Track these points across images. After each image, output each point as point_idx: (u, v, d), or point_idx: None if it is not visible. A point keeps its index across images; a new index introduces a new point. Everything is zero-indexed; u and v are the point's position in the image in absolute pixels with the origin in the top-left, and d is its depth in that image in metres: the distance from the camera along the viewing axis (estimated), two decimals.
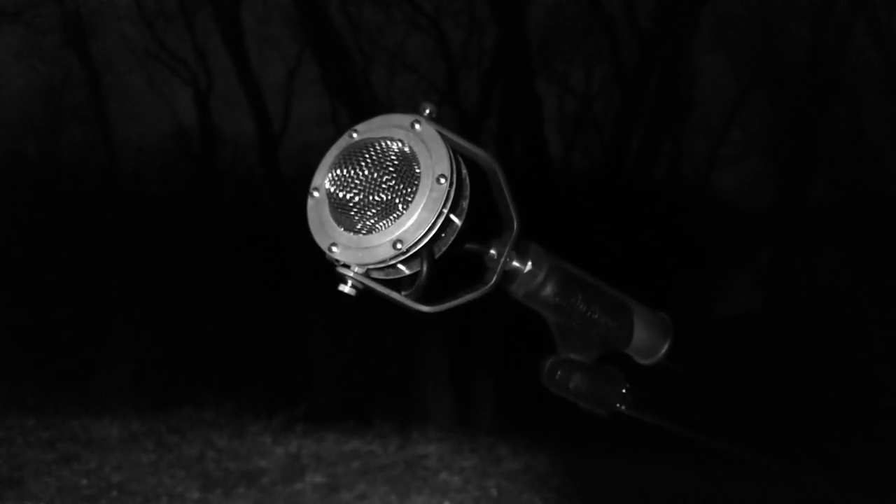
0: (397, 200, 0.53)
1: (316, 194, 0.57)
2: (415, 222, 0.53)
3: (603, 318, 0.62)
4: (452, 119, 10.07)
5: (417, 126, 0.56)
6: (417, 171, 0.54)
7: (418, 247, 0.53)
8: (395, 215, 0.53)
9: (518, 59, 7.96)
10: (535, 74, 8.09)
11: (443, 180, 0.53)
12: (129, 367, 6.80)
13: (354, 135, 0.57)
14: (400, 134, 0.56)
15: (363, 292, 0.55)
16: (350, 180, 0.54)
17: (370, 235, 0.54)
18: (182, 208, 12.06)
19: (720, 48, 9.71)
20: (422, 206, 0.53)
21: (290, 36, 10.39)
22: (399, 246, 0.53)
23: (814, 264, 10.35)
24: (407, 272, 0.57)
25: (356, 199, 0.54)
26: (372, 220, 0.54)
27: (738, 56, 11.08)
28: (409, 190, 0.54)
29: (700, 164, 10.33)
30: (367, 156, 0.55)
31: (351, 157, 0.55)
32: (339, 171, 0.55)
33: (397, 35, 10.01)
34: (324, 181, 0.57)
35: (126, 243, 9.94)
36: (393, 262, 0.54)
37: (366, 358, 8.27)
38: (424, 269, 0.55)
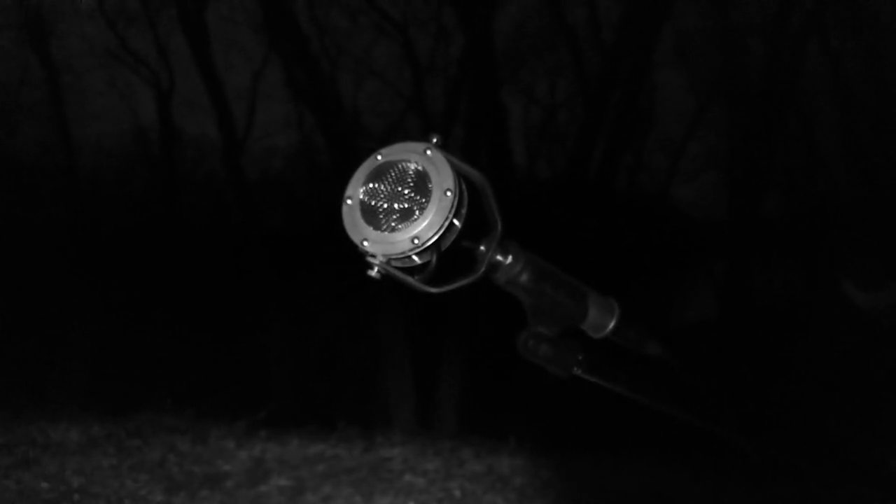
0: (415, 208, 0.70)
1: (349, 201, 0.74)
2: (428, 224, 0.69)
3: (566, 300, 0.80)
4: (418, 126, 10.14)
5: (428, 152, 0.73)
6: (430, 186, 0.70)
7: (430, 242, 0.69)
8: (412, 219, 0.70)
9: (484, 69, 8.06)
10: (501, 84, 8.20)
11: (449, 193, 0.70)
12: (85, 370, 6.67)
13: (379, 157, 0.74)
14: (415, 157, 0.73)
15: (385, 276, 0.71)
16: (378, 192, 0.72)
17: (393, 233, 0.70)
18: (140, 211, 11.86)
19: (680, 63, 10.00)
20: (433, 212, 0.69)
21: (255, 38, 10.36)
22: (416, 241, 0.69)
23: (767, 274, 10.66)
24: (418, 262, 0.73)
25: (383, 206, 0.71)
26: (394, 223, 0.71)
27: (697, 71, 11.40)
28: (423, 200, 0.70)
29: (659, 177, 10.60)
30: (391, 174, 0.72)
31: (379, 175, 0.73)
32: (370, 185, 0.72)
33: (364, 41, 10.08)
34: (356, 192, 0.73)
35: (83, 245, 9.74)
36: (410, 253, 0.70)
37: (327, 362, 8.25)
38: (434, 259, 0.72)
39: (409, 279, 0.72)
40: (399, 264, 0.72)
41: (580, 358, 0.79)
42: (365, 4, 9.43)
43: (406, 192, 0.71)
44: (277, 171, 12.57)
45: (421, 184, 0.71)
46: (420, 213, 0.70)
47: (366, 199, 0.72)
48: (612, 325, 0.82)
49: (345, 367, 8.13)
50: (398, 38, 9.86)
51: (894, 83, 10.59)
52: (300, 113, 10.07)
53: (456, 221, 0.71)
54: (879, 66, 10.68)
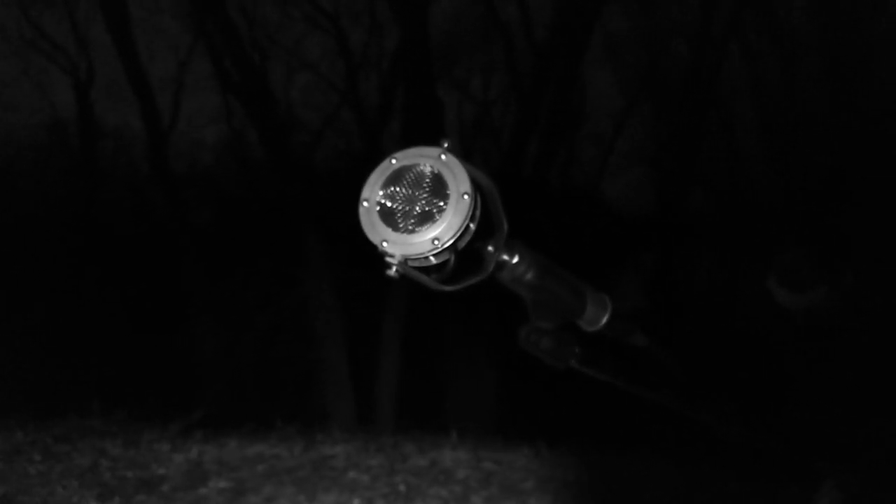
0: (433, 210, 0.73)
1: (366, 204, 0.75)
2: (447, 226, 0.72)
3: (567, 295, 0.85)
4: (353, 120, 10.04)
5: (443, 156, 0.75)
6: (447, 189, 0.73)
7: (449, 243, 0.72)
8: (432, 221, 0.73)
9: (419, 64, 8.04)
10: (435, 79, 8.20)
11: (466, 196, 0.73)
12: (3, 374, 6.31)
13: (394, 161, 0.76)
14: (430, 161, 0.75)
15: (402, 276, 0.73)
16: (396, 195, 0.74)
17: (412, 235, 0.73)
18: (59, 206, 11.29)
19: (609, 63, 10.25)
20: (451, 214, 0.72)
21: (181, 28, 9.99)
22: (436, 242, 0.72)
23: (691, 266, 11.09)
24: (434, 262, 0.75)
25: (402, 208, 0.74)
26: (413, 225, 0.73)
27: (625, 71, 11.73)
28: (441, 203, 0.73)
29: (591, 172, 10.87)
30: (408, 177, 0.75)
31: (396, 178, 0.75)
32: (388, 189, 0.75)
33: (296, 33, 9.89)
34: (372, 195, 0.75)
35: None
36: (429, 254, 0.73)
37: (263, 360, 8.08)
38: (452, 259, 0.75)
39: (426, 278, 0.75)
40: (416, 264, 0.75)
41: (577, 350, 0.85)
42: None
43: (424, 195, 0.74)
44: (205, 166, 12.20)
45: (438, 187, 0.74)
46: (439, 216, 0.73)
47: (384, 201, 0.75)
48: (605, 318, 0.87)
49: (281, 366, 7.99)
50: (331, 30, 9.74)
51: (807, 83, 11.18)
52: (229, 105, 9.81)
53: (471, 224, 0.74)
54: (793, 67, 11.25)
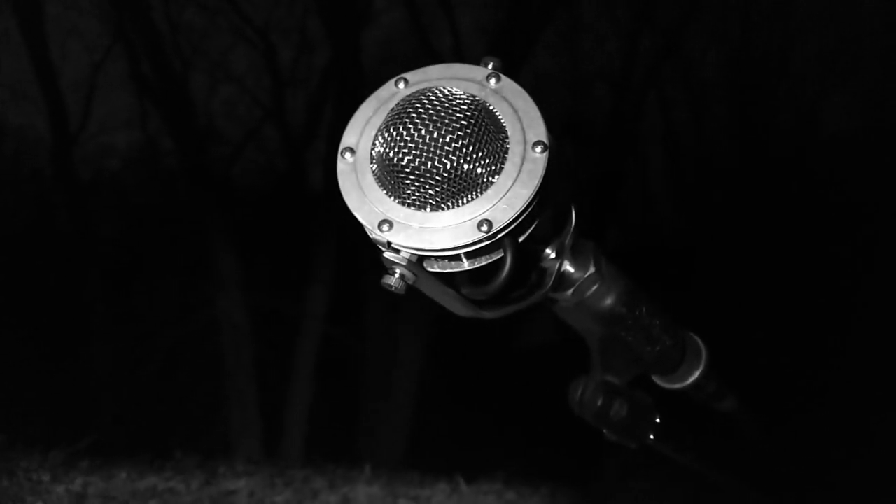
0: (479, 170, 0.43)
1: (349, 156, 0.45)
2: (507, 198, 0.43)
3: (662, 335, 0.56)
4: (277, 137, 9.78)
5: (493, 81, 0.46)
6: (504, 136, 0.45)
7: (509, 229, 0.43)
8: (475, 189, 0.43)
9: (349, 85, 7.93)
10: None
11: (539, 148, 0.45)
12: None
13: (401, 84, 0.48)
14: (472, 87, 0.46)
15: (410, 289, 0.45)
16: (407, 142, 0.44)
17: (440, 213, 0.43)
18: None
19: (536, 101, 10.47)
20: (515, 178, 0.43)
21: (100, 28, 9.50)
22: (485, 228, 0.42)
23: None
24: (466, 267, 0.46)
25: (418, 166, 0.42)
26: (439, 195, 0.43)
27: (550, 111, 12.02)
28: (492, 160, 0.43)
29: None
30: (430, 112, 0.44)
31: (408, 114, 0.44)
32: (394, 132, 0.44)
33: (222, 43, 9.57)
34: (362, 139, 0.45)
35: None
36: (469, 249, 0.43)
37: (163, 384, 7.61)
38: (509, 258, 0.45)
39: (453, 294, 0.46)
40: (438, 268, 0.46)
41: (658, 420, 0.57)
42: (226, 5, 8.98)
43: (460, 143, 0.43)
44: (114, 172, 11.58)
45: (487, 131, 0.44)
46: (491, 180, 0.43)
47: (385, 152, 0.44)
48: (698, 373, 0.60)
49: (183, 390, 7.54)
50: (259, 44, 9.49)
51: (714, 132, 11.82)
52: (144, 110, 9.35)
53: (539, 203, 0.45)
54: (704, 116, 11.87)
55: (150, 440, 4.91)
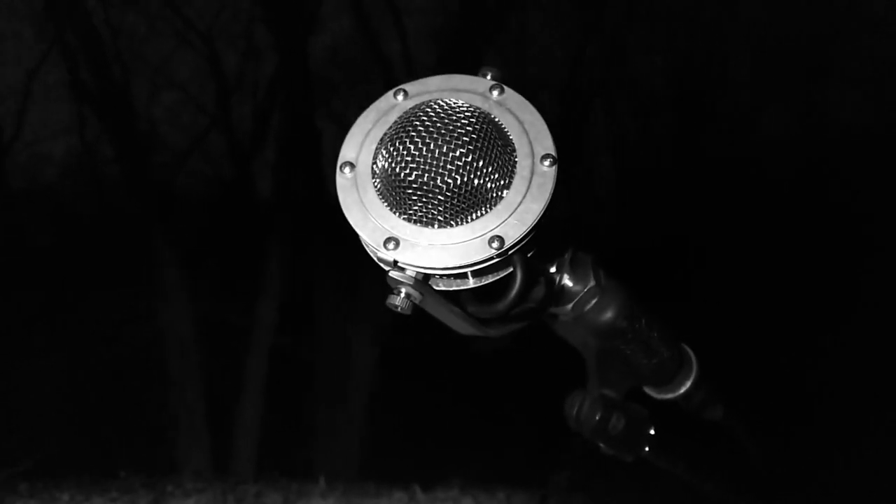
0: (488, 184, 0.43)
1: (347, 171, 0.45)
2: (518, 214, 0.42)
3: (661, 347, 0.55)
4: (222, 145, 9.58)
5: (496, 93, 0.46)
6: (511, 149, 0.44)
7: (520, 245, 0.43)
8: (485, 205, 0.42)
9: (297, 92, 7.83)
10: (314, 109, 8.01)
11: (548, 162, 0.44)
12: None
13: (400, 96, 0.47)
14: (475, 99, 0.45)
15: (416, 309, 0.43)
16: (411, 157, 0.43)
17: (449, 229, 0.42)
18: None
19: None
20: (524, 193, 0.43)
21: (35, 33, 9.13)
22: (496, 244, 0.42)
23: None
24: (471, 285, 0.45)
25: (423, 181, 0.42)
26: (446, 211, 0.42)
27: None
28: (501, 174, 0.43)
29: None
30: (432, 125, 0.43)
31: (411, 127, 0.43)
32: (398, 145, 0.43)
33: (164, 49, 9.32)
34: (363, 153, 0.44)
35: None
36: (478, 266, 0.42)
37: (106, 401, 7.33)
38: (520, 275, 0.44)
39: (458, 312, 0.44)
40: (443, 286, 0.45)
41: (652, 432, 0.57)
42: (168, 11, 8.76)
43: (471, 157, 0.42)
44: (50, 181, 11.14)
45: (494, 145, 0.43)
46: (501, 194, 0.42)
47: (389, 166, 0.43)
48: (689, 383, 0.60)
49: (128, 407, 7.28)
50: (203, 50, 9.28)
51: (659, 138, 12.12)
52: (82, 118, 9.02)
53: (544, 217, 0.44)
54: (648, 124, 12.16)
55: (93, 460, 4.70)
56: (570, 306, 0.52)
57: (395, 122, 0.45)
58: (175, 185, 9.57)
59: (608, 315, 0.52)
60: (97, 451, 5.66)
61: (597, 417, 0.52)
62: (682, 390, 0.60)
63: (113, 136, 7.75)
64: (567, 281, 0.52)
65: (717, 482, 0.66)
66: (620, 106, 12.41)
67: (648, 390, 0.61)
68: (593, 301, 0.52)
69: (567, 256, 0.51)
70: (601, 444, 0.55)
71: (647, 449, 0.58)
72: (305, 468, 5.31)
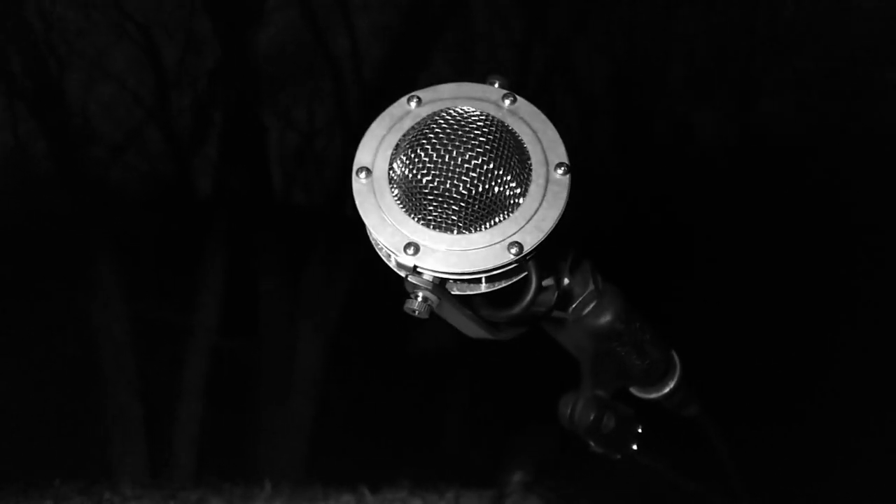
0: (505, 191, 0.44)
1: (363, 176, 0.45)
2: (535, 221, 0.44)
3: (652, 348, 0.58)
4: (160, 140, 9.31)
5: (508, 101, 0.47)
6: (526, 158, 0.46)
7: (536, 251, 0.44)
8: (502, 211, 0.44)
9: (241, 87, 7.68)
10: (258, 104, 7.87)
11: (561, 170, 0.46)
12: None
13: (414, 103, 0.47)
14: (490, 109, 0.46)
15: (433, 315, 0.45)
16: (427, 163, 0.44)
17: (468, 235, 0.43)
18: None
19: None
20: (540, 200, 0.44)
21: None
22: (515, 250, 0.43)
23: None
24: (483, 290, 0.47)
25: (440, 187, 0.43)
26: (463, 217, 0.43)
27: None
28: (517, 182, 0.44)
29: None
30: (447, 133, 0.44)
31: (427, 134, 0.44)
32: (415, 152, 0.44)
33: (100, 41, 8.98)
34: (378, 158, 0.45)
35: None
36: (497, 271, 0.43)
37: (39, 405, 7.04)
38: (534, 280, 0.46)
39: (470, 315, 0.46)
40: (457, 290, 0.46)
41: (639, 431, 0.60)
42: (105, 1, 8.46)
43: (492, 164, 0.44)
44: None
45: (511, 153, 0.45)
46: (518, 201, 0.44)
47: (406, 172, 0.44)
48: (673, 383, 0.63)
49: (61, 412, 7.00)
50: (141, 42, 8.99)
51: (601, 142, 12.40)
52: (14, 112, 8.63)
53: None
54: (591, 127, 12.42)
55: (26, 468, 4.51)
56: (570, 310, 0.54)
57: (413, 128, 0.46)
58: (111, 181, 9.26)
59: (606, 318, 0.55)
60: (30, 459, 5.44)
61: (591, 418, 0.54)
62: (667, 390, 0.64)
63: (46, 130, 7.45)
64: (568, 285, 0.53)
65: (698, 478, 0.71)
66: (565, 108, 12.64)
67: (633, 390, 0.64)
68: (592, 304, 0.55)
69: (568, 261, 0.53)
70: (591, 443, 0.58)
71: (634, 447, 0.60)
72: (249, 471, 5.23)
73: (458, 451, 7.52)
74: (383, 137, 0.47)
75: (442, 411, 7.85)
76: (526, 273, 0.48)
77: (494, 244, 0.44)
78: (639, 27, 10.40)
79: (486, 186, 0.45)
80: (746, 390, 6.53)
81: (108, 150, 9.15)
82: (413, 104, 0.48)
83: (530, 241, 0.44)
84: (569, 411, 0.55)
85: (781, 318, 7.41)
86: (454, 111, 0.46)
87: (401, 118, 0.47)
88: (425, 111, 0.47)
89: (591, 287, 0.54)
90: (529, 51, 9.86)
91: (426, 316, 0.45)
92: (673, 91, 11.27)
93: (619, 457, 0.60)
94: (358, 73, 8.49)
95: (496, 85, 0.48)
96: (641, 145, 11.24)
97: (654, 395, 0.64)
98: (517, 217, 0.45)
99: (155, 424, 6.74)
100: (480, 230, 0.45)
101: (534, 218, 0.45)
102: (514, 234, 0.44)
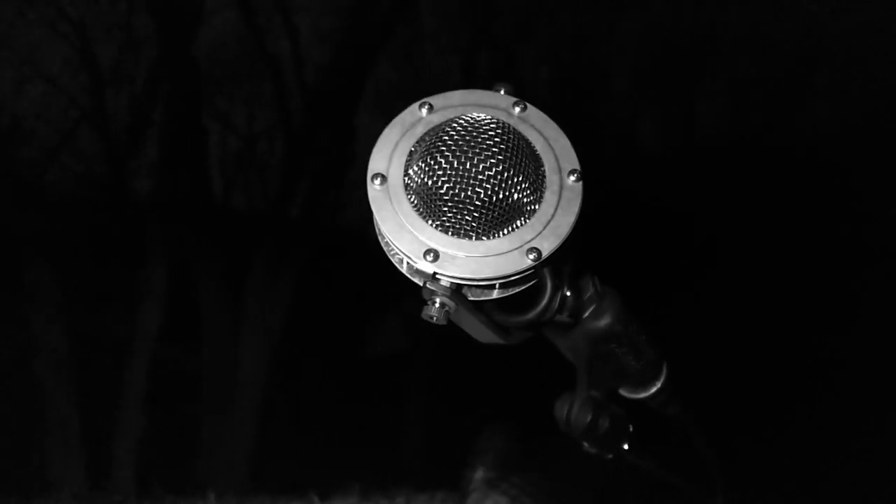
0: (524, 199, 0.45)
1: (378, 183, 0.45)
2: (551, 227, 0.45)
3: (648, 349, 0.60)
4: (96, 141, 9.01)
5: (518, 109, 0.48)
6: (539, 165, 0.47)
7: (552, 256, 0.45)
8: (519, 217, 0.45)
9: (179, 88, 7.52)
10: (198, 106, 7.71)
11: (574, 177, 0.47)
12: None
13: (425, 109, 0.48)
14: (502, 116, 0.47)
15: (450, 321, 0.45)
16: (440, 169, 0.44)
17: (486, 241, 0.44)
18: None
19: (378, 110, 10.50)
20: (556, 206, 0.46)
21: None
22: (533, 256, 0.44)
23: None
24: (495, 296, 0.47)
25: (455, 194, 0.43)
26: (479, 223, 0.44)
27: (392, 118, 12.15)
28: (535, 188, 0.45)
29: (364, 214, 10.93)
30: (460, 140, 0.45)
31: (441, 141, 0.44)
32: (431, 159, 0.45)
33: (32, 37, 8.64)
34: (392, 165, 0.45)
35: None
36: (514, 277, 0.44)
37: None
38: (549, 286, 0.48)
39: (484, 320, 0.46)
40: (471, 296, 0.47)
41: (631, 429, 0.62)
42: None
43: (512, 171, 0.45)
44: None
45: (526, 160, 0.46)
46: (533, 207, 0.45)
47: (422, 179, 0.45)
48: (660, 383, 0.65)
49: None
50: (76, 40, 8.69)
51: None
52: None
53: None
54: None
55: None
56: (570, 313, 0.55)
57: (427, 134, 0.47)
58: (43, 183, 8.92)
59: (606, 320, 0.56)
60: None
61: (588, 419, 0.56)
62: (654, 389, 0.66)
63: None
64: (571, 289, 0.55)
65: (687, 476, 0.74)
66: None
67: (622, 390, 0.66)
68: (592, 307, 0.56)
69: (570, 262, 0.55)
70: (585, 443, 0.59)
71: (626, 446, 0.62)
72: (193, 482, 5.11)
73: (408, 456, 7.51)
74: (397, 144, 0.48)
75: (392, 415, 7.83)
76: (537, 279, 0.49)
77: (513, 250, 0.45)
78: (583, 33, 10.60)
79: (506, 193, 0.46)
80: (746, 390, 6.57)
81: (40, 151, 8.81)
82: (424, 111, 0.49)
83: (548, 247, 0.46)
84: (565, 413, 0.56)
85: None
86: (468, 118, 0.47)
87: (413, 125, 0.48)
88: (437, 118, 0.49)
89: (591, 290, 0.56)
90: (475, 54, 9.95)
91: (444, 322, 0.45)
92: (617, 95, 11.51)
93: (610, 457, 0.62)
94: (299, 76, 8.41)
95: (503, 92, 0.50)
96: (586, 150, 11.43)
97: (641, 395, 0.66)
98: (534, 223, 0.46)
99: (94, 435, 6.52)
100: (498, 236, 0.46)
101: (550, 224, 0.46)
102: (532, 240, 0.46)
